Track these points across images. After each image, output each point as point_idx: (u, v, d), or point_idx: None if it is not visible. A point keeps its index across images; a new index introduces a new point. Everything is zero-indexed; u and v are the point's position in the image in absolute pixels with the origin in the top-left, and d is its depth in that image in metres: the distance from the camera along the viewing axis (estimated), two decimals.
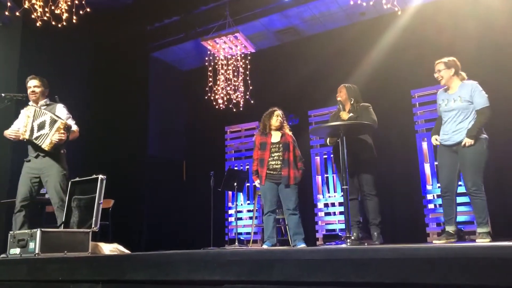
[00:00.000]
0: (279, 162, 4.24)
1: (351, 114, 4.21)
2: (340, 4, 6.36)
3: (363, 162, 4.18)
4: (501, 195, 5.22)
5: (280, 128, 4.41)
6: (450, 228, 3.68)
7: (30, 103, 3.98)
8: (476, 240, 3.59)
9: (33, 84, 3.95)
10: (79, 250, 3.16)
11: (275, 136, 4.39)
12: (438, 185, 5.27)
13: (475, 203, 3.54)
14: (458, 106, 3.65)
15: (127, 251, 3.64)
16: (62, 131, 3.74)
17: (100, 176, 3.51)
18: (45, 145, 3.74)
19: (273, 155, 4.29)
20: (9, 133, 3.89)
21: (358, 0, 4.82)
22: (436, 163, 5.28)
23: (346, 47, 6.62)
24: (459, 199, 5.37)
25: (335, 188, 6.53)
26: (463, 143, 3.55)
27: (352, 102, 4.31)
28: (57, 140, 3.73)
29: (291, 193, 4.18)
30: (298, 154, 4.34)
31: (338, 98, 4.38)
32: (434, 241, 3.86)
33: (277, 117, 4.40)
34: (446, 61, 3.75)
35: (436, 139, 3.84)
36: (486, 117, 3.59)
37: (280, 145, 4.30)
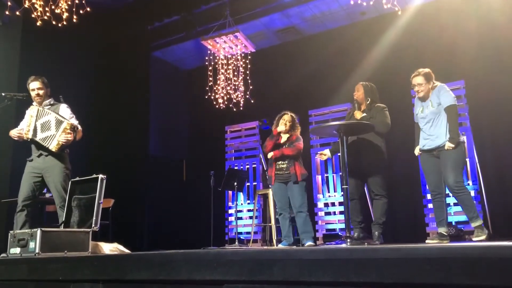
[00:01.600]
0: (285, 162, 4.27)
1: (364, 114, 4.21)
2: (340, 3, 6.35)
3: (370, 163, 4.16)
4: (501, 194, 5.23)
5: (289, 131, 4.43)
6: (442, 230, 3.73)
7: (34, 103, 3.98)
8: (472, 237, 3.62)
9: (36, 86, 3.93)
10: (79, 250, 3.16)
11: (284, 137, 4.46)
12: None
13: (461, 199, 3.59)
14: (431, 111, 3.74)
15: (127, 251, 3.64)
16: (69, 131, 3.77)
17: (100, 176, 3.51)
18: (53, 146, 3.76)
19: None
20: (14, 133, 3.91)
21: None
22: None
23: (347, 46, 6.62)
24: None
25: (335, 187, 6.53)
26: (446, 147, 3.62)
27: (368, 102, 4.30)
28: (64, 141, 3.75)
29: (297, 192, 4.20)
30: (299, 147, 4.35)
31: (355, 97, 4.39)
32: (426, 241, 3.88)
33: (283, 121, 4.40)
34: (424, 75, 3.77)
35: (417, 150, 3.93)
36: (455, 114, 3.67)
37: (286, 145, 4.33)
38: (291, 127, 4.41)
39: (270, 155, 4.38)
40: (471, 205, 3.56)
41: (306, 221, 4.17)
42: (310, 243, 4.09)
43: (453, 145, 3.59)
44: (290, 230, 4.27)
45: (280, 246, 4.28)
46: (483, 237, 3.49)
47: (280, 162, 4.32)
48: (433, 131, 3.73)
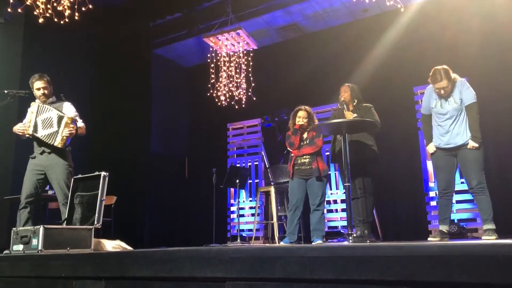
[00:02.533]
0: (307, 157, 4.26)
1: (355, 114, 4.27)
2: (342, 0, 6.34)
3: (362, 161, 4.21)
4: (504, 193, 5.21)
5: (308, 126, 4.38)
6: (444, 227, 3.71)
7: (37, 100, 3.99)
8: (482, 237, 3.59)
9: (41, 85, 3.93)
10: (81, 247, 3.16)
11: (304, 133, 4.43)
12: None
13: (480, 199, 3.55)
14: (454, 107, 3.66)
15: (129, 248, 3.65)
16: (71, 125, 3.80)
17: (103, 173, 3.51)
18: (57, 142, 3.80)
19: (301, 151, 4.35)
20: (18, 127, 3.92)
21: None
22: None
23: (349, 44, 6.60)
24: (461, 197, 5.39)
25: (337, 185, 6.53)
26: (469, 146, 3.57)
27: (355, 103, 4.38)
28: (68, 134, 3.80)
29: (318, 188, 4.17)
30: (320, 144, 4.34)
31: (342, 98, 4.43)
32: (428, 239, 3.87)
33: (299, 118, 4.37)
34: (446, 77, 3.62)
35: (433, 147, 3.82)
36: (476, 113, 3.61)
37: (307, 141, 4.32)
38: (308, 122, 4.38)
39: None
40: (488, 207, 3.51)
41: (321, 219, 4.16)
42: (319, 241, 4.08)
43: (477, 145, 3.54)
44: (296, 228, 4.25)
45: (282, 243, 4.26)
46: (493, 238, 3.45)
47: (302, 156, 4.29)
48: (455, 128, 3.64)
